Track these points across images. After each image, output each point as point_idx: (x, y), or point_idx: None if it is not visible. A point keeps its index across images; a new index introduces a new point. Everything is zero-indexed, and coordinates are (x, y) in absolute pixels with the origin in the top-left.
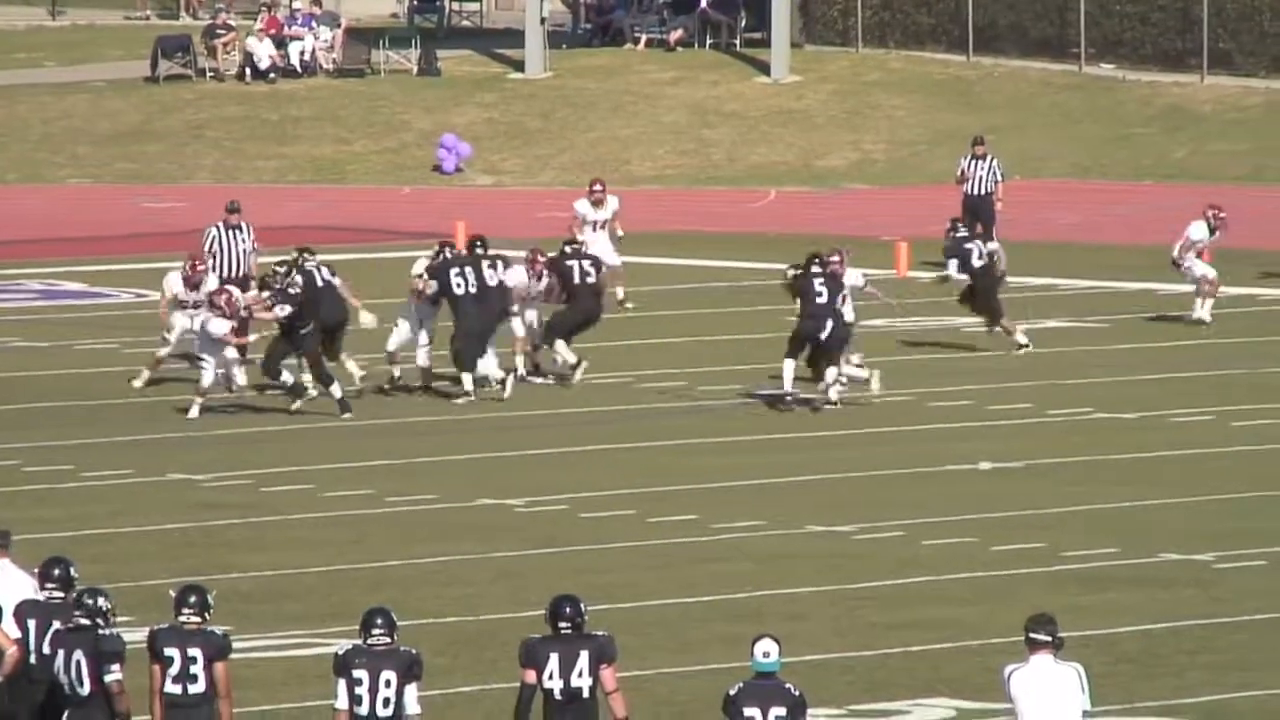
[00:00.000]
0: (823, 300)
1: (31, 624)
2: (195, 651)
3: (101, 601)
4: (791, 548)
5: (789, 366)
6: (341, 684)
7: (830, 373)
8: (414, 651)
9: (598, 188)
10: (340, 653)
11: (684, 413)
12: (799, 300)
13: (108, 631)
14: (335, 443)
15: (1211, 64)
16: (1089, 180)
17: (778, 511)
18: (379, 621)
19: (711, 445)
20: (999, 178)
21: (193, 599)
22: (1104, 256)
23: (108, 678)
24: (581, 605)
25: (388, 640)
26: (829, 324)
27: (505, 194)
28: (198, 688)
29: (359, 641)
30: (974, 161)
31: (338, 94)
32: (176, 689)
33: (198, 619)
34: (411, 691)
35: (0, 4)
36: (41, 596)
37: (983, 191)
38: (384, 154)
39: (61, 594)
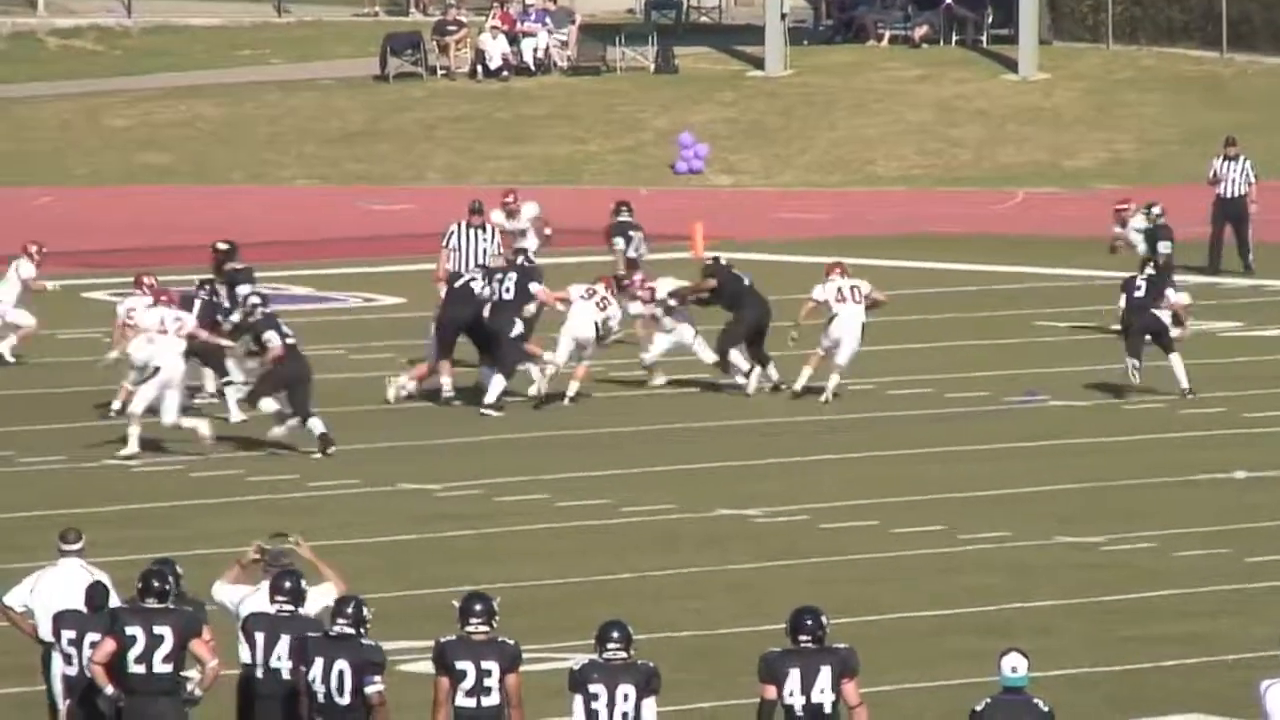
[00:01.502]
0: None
1: (259, 637)
2: (490, 664)
3: (365, 611)
4: (1040, 559)
5: None
6: (578, 699)
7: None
8: (651, 665)
9: (509, 199)
10: (576, 668)
11: (929, 420)
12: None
13: (369, 642)
14: (569, 452)
15: None
16: None
17: (1026, 522)
18: (615, 635)
19: (958, 453)
20: (1252, 178)
21: (478, 607)
22: None
23: (369, 689)
24: (823, 617)
25: (624, 654)
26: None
27: (745, 194)
28: (491, 700)
29: (595, 657)
30: (1226, 163)
31: (572, 92)
32: (470, 702)
33: (485, 628)
34: (650, 706)
35: (226, 0)
36: (272, 610)
37: (1236, 193)
38: (620, 153)
39: (291, 607)
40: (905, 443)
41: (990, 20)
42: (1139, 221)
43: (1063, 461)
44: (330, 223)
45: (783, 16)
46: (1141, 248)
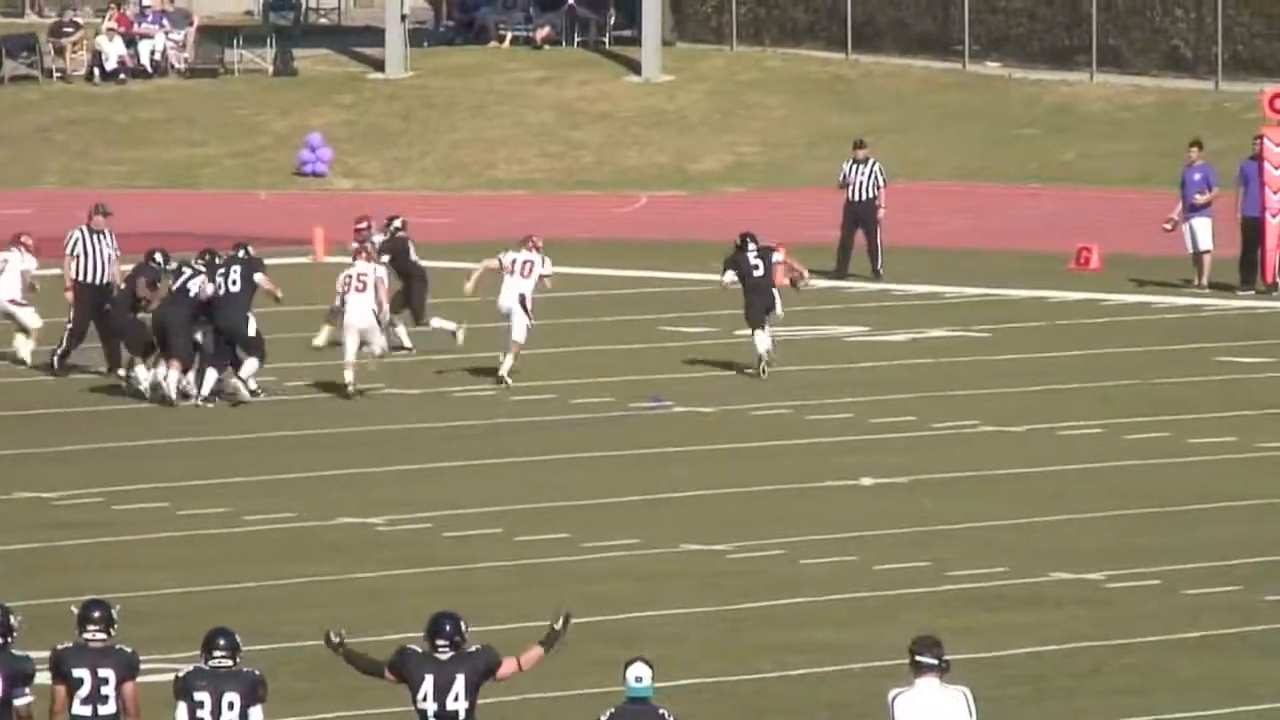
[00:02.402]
0: (760, 274)
1: None
2: (107, 672)
3: (12, 619)
4: (667, 567)
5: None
6: (182, 706)
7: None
8: (258, 673)
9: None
10: (181, 675)
11: (555, 426)
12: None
13: (19, 653)
14: (191, 459)
15: (1101, 62)
16: (975, 183)
17: (654, 529)
18: (221, 643)
19: (583, 460)
20: (881, 182)
21: (96, 614)
22: (990, 263)
23: (19, 701)
24: (462, 624)
25: (230, 662)
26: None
27: (365, 198)
28: (108, 709)
29: (200, 664)
30: (855, 166)
31: (190, 95)
32: (86, 710)
33: (103, 635)
34: (257, 714)
35: None
36: None
37: (865, 197)
38: (238, 157)
39: None
40: (530, 449)
41: (613, 21)
42: (379, 238)
43: (691, 469)
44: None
45: (403, 18)
46: None
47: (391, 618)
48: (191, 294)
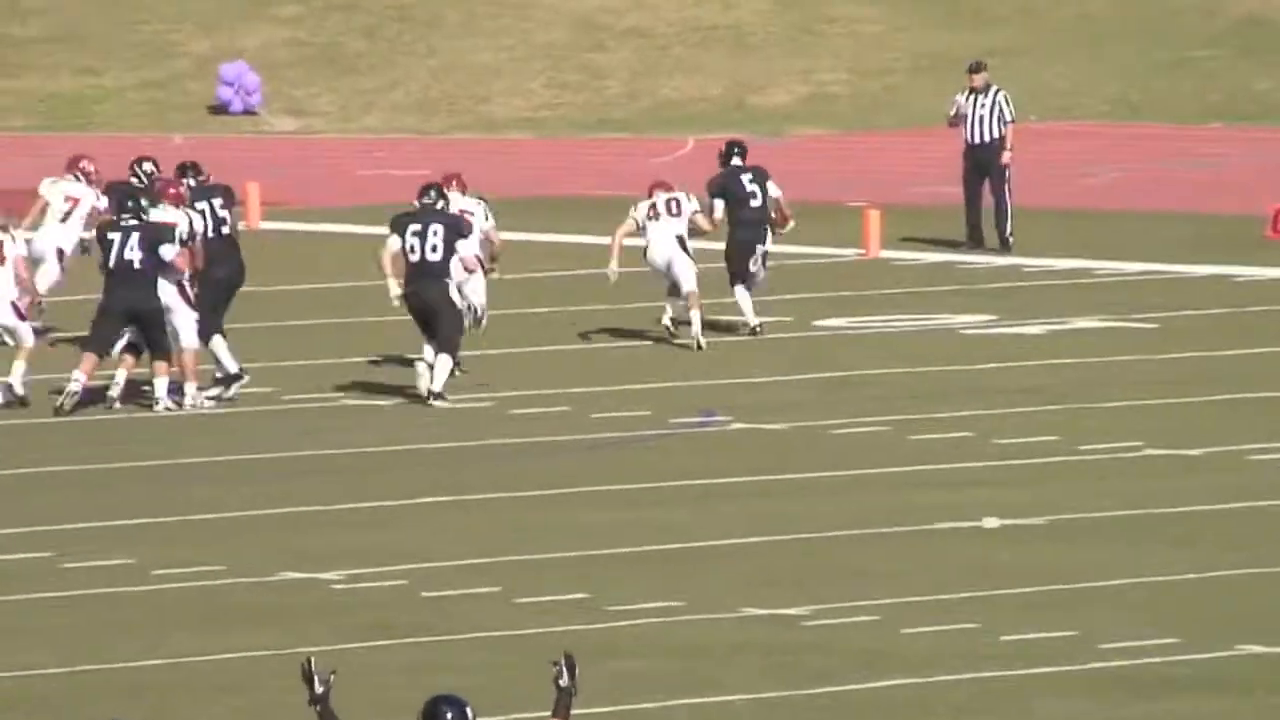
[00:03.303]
0: (758, 204)
1: None
2: None
3: None
4: (721, 638)
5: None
6: None
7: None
8: None
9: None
10: None
11: (578, 449)
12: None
13: None
14: (81, 491)
15: None
16: (1134, 123)
17: (702, 587)
18: None
19: (610, 495)
20: (1008, 118)
21: None
22: (1155, 229)
23: None
24: (469, 711)
25: None
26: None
27: (314, 144)
28: None
29: None
30: (972, 97)
31: (80, 5)
32: None
33: None
34: None
35: None
36: None
37: (985, 138)
38: (145, 89)
39: None
40: (537, 480)
41: None
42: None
43: (749, 505)
44: None
45: None
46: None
47: (351, 706)
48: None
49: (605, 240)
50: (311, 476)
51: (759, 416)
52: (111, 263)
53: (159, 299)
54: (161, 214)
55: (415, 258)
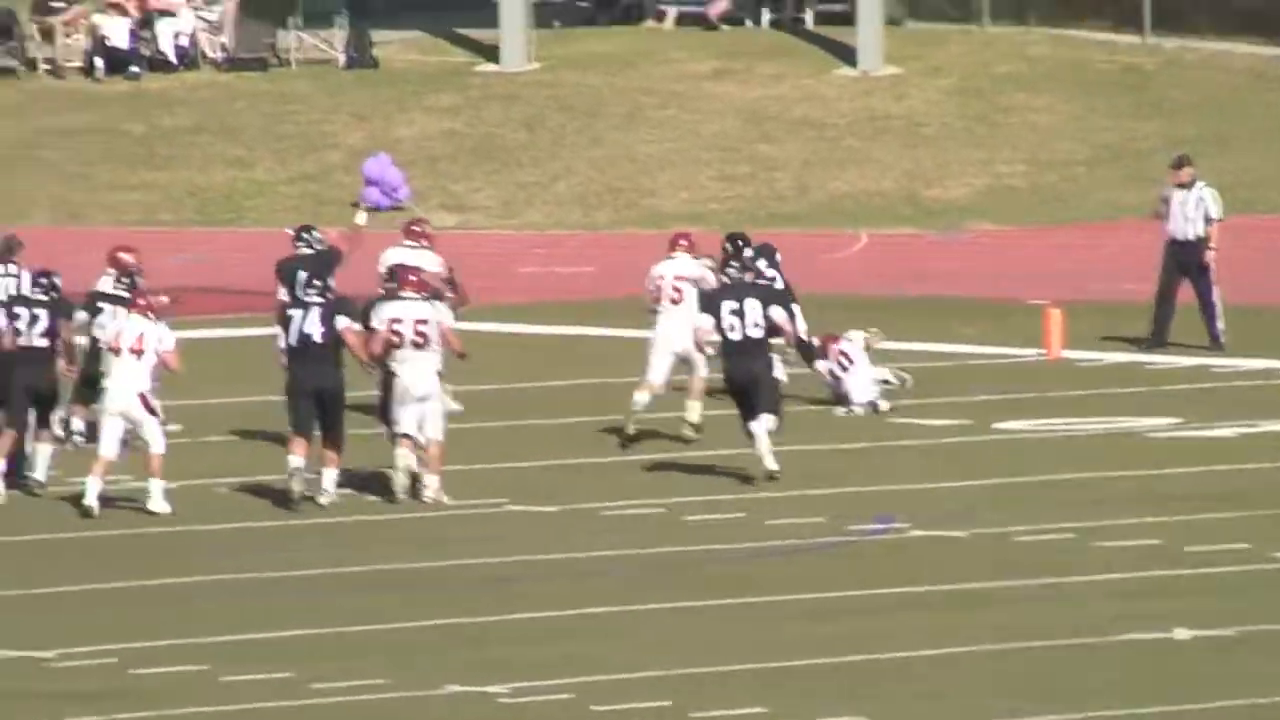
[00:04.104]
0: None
1: None
2: None
3: None
4: None
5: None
6: None
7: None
8: None
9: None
10: None
11: (748, 556)
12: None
13: None
14: (221, 601)
15: None
16: None
17: (882, 706)
18: None
19: (785, 607)
20: (1213, 215)
21: None
22: None
23: None
24: None
25: None
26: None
27: (474, 240)
28: None
29: None
30: (1176, 192)
31: (230, 95)
32: None
33: None
34: None
35: None
36: None
37: (1190, 235)
38: (297, 183)
39: None
40: (710, 588)
41: None
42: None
43: (927, 616)
44: None
45: None
46: None
47: None
48: None
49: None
50: (475, 586)
51: (938, 523)
52: (294, 340)
53: (341, 376)
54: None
55: (736, 335)
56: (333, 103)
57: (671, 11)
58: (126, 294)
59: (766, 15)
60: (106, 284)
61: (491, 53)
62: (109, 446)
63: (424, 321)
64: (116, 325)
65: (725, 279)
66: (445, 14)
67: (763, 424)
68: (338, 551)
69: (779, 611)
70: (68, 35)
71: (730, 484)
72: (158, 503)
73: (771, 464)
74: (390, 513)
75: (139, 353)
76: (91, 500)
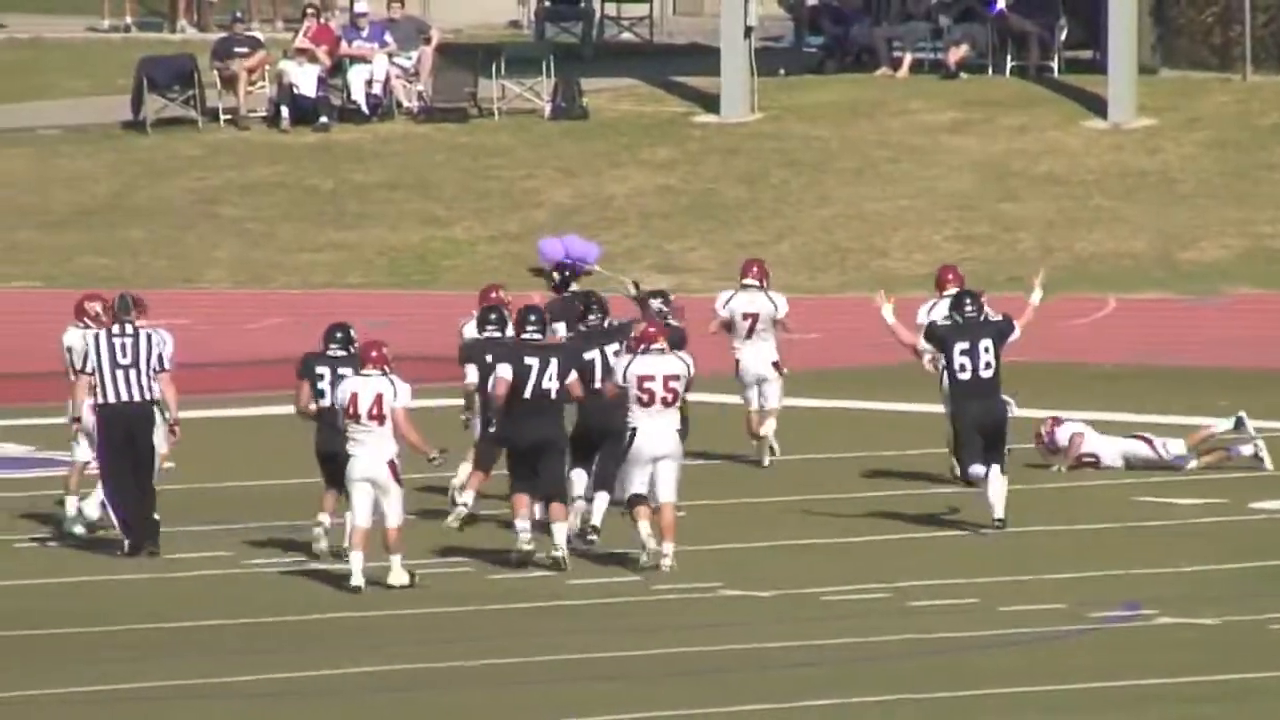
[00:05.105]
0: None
1: None
2: None
3: None
4: None
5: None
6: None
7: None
8: None
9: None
10: None
11: (977, 646)
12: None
13: None
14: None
15: None
16: None
17: None
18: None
19: (1018, 700)
20: None
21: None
22: None
23: None
24: None
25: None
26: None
27: (694, 303)
28: None
29: None
30: None
31: (426, 148)
32: None
33: None
34: None
35: None
36: None
37: None
38: (499, 242)
39: None
40: (935, 677)
41: (1064, 37)
42: None
43: (1178, 711)
44: (57, 346)
45: (747, 32)
46: None
47: None
48: None
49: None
50: (677, 678)
51: (1188, 609)
52: (528, 393)
53: (564, 431)
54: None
55: (966, 375)
56: (538, 156)
57: (906, 58)
58: (346, 351)
59: (1010, 62)
60: (75, 337)
61: (711, 102)
62: (363, 516)
63: (675, 378)
64: (349, 387)
65: (957, 319)
66: (659, 60)
67: (997, 469)
68: (572, 638)
69: (1010, 705)
70: (251, 82)
71: (963, 567)
72: (398, 575)
73: (1000, 512)
74: (603, 596)
75: (379, 417)
76: (358, 580)
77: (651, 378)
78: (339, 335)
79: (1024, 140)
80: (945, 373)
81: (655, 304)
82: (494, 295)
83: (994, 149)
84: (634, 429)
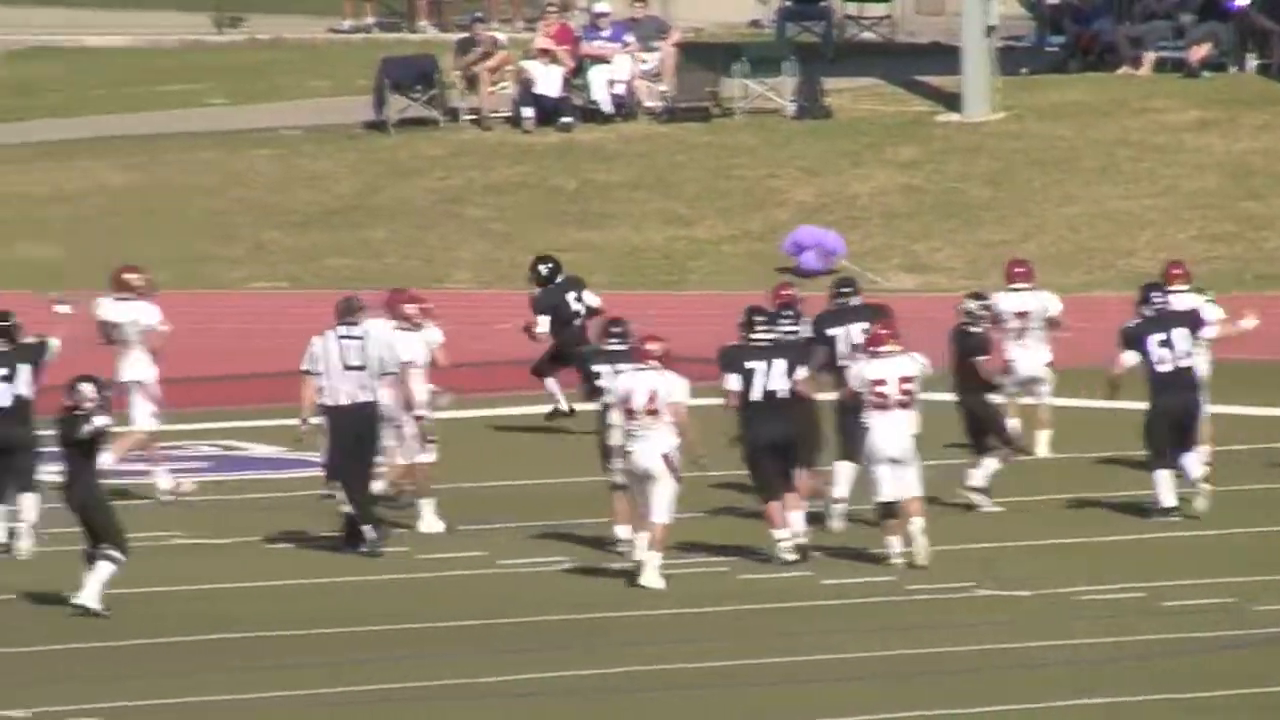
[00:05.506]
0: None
1: None
2: None
3: None
4: None
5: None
6: None
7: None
8: None
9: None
10: None
11: (1247, 646)
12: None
13: None
14: None
15: None
16: None
17: None
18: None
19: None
20: None
21: None
22: None
23: None
24: None
25: None
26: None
27: (936, 303)
28: None
29: None
30: None
31: (669, 148)
32: None
33: None
34: None
35: (144, 7)
36: None
37: None
38: (741, 241)
39: None
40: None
41: None
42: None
43: None
44: (301, 347)
45: (988, 31)
46: None
47: None
48: None
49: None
50: (927, 677)
51: None
52: (758, 394)
53: (795, 428)
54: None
55: (1167, 367)
56: (780, 156)
57: (1149, 56)
58: (623, 346)
59: (1253, 60)
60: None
61: (953, 101)
62: (661, 512)
63: (909, 380)
64: (626, 383)
65: (1148, 312)
66: (901, 60)
67: (1196, 459)
68: (828, 638)
69: (1262, 706)
70: (493, 82)
71: (1222, 565)
72: (651, 577)
73: (1204, 504)
74: (858, 596)
75: (654, 412)
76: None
77: (884, 381)
78: (616, 330)
79: (1268, 139)
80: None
81: (971, 305)
82: (785, 293)
83: (1238, 148)
84: (868, 429)
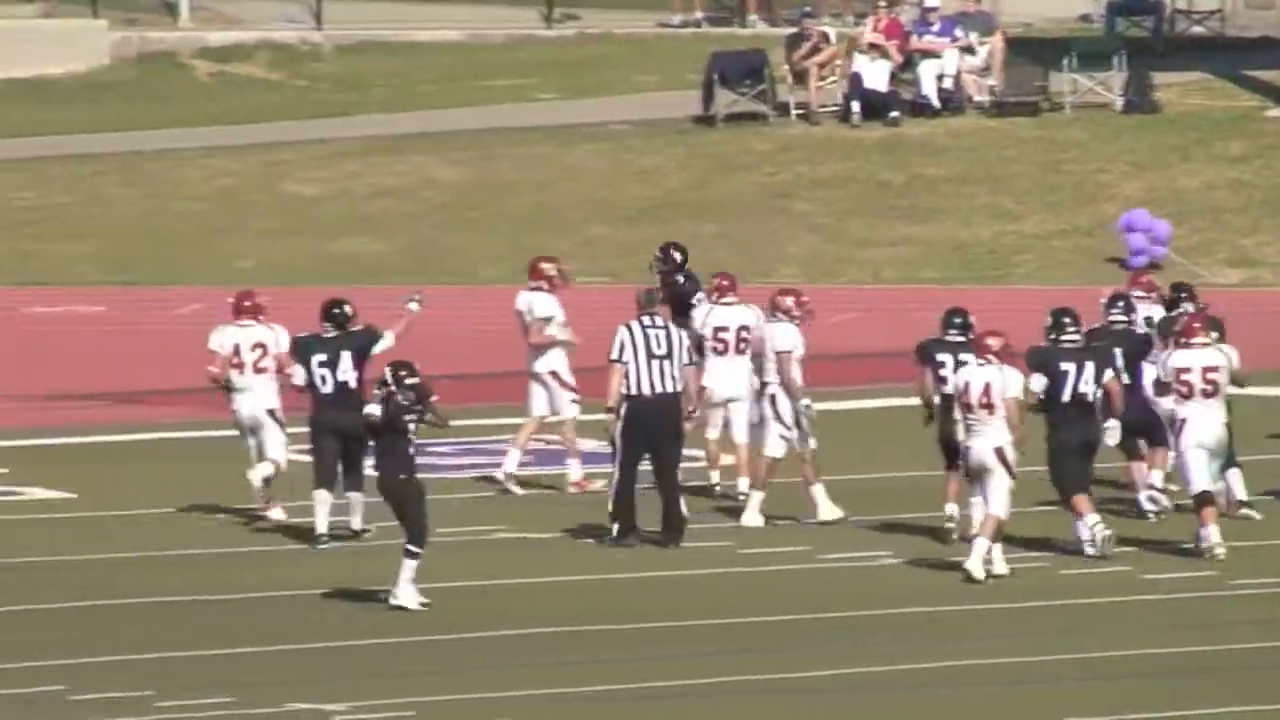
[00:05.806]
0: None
1: None
2: None
3: None
4: None
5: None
6: None
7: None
8: None
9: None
10: None
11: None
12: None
13: None
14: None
15: None
16: None
17: None
18: None
19: None
20: None
21: None
22: None
23: None
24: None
25: None
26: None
27: (1265, 298)
28: None
29: None
30: None
31: (997, 142)
32: None
33: None
34: None
35: (474, 1)
36: None
37: None
38: (1069, 236)
39: None
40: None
41: None
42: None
43: None
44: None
45: None
46: None
47: None
48: None
49: None
50: (1245, 673)
51: None
52: (1066, 396)
53: (1102, 430)
54: None
55: None
56: (1109, 150)
57: None
58: (964, 338)
59: None
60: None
61: None
62: (998, 505)
63: (1214, 369)
64: (964, 376)
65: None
66: (1231, 54)
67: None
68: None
69: None
70: (822, 77)
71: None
72: (975, 564)
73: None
74: (1174, 591)
75: (989, 406)
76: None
77: (1189, 369)
78: (956, 321)
79: None
80: None
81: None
82: (1143, 280)
83: None
84: (1183, 420)
